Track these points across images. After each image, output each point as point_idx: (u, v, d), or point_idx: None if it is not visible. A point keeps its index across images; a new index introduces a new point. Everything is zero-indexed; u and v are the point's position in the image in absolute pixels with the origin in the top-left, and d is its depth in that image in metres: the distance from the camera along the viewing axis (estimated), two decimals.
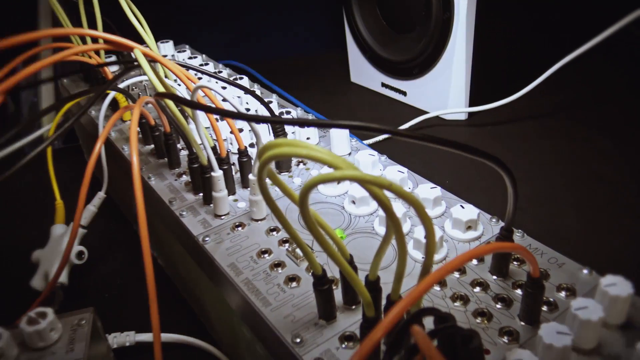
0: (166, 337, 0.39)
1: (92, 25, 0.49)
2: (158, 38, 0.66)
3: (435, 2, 0.65)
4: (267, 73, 0.82)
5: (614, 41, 0.52)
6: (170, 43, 0.67)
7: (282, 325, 0.28)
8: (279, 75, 0.82)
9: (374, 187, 0.20)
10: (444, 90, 0.70)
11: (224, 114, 0.24)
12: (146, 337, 0.39)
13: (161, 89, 0.31)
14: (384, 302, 0.26)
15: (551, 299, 0.28)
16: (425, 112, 0.72)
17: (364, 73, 0.83)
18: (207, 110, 0.26)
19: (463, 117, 0.71)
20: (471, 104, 0.70)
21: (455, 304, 0.29)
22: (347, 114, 0.77)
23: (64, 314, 0.33)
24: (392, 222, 0.21)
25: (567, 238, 0.48)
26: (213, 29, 0.93)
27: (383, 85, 0.80)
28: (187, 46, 0.71)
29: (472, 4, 0.63)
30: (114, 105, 0.51)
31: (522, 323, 0.27)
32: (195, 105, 0.27)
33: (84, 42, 0.51)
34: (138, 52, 0.31)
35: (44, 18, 0.76)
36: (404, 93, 0.77)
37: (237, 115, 0.25)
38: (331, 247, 0.23)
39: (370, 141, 0.64)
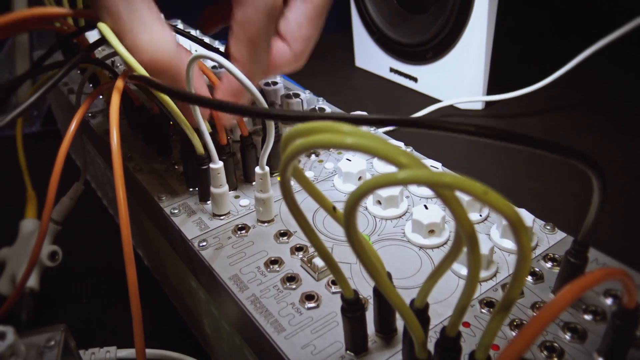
0: (152, 353, 0.34)
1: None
2: None
3: None
4: None
5: None
6: None
7: (300, 359, 0.22)
8: None
9: (451, 191, 0.14)
10: (460, 76, 0.64)
11: (231, 111, 0.18)
12: (129, 353, 0.34)
13: (139, 68, 0.24)
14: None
15: (637, 333, 0.22)
16: (438, 101, 0.66)
17: (370, 57, 0.77)
18: (199, 102, 0.20)
19: (479, 106, 0.66)
20: (489, 93, 0.64)
21: (514, 334, 0.23)
22: (351, 101, 0.71)
23: (28, 332, 0.27)
24: (469, 240, 0.15)
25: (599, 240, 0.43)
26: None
27: (392, 70, 0.74)
28: (179, 21, 0.64)
29: None
30: (98, 83, 0.44)
31: None
32: (179, 95, 0.20)
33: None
34: (102, 24, 0.25)
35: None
36: (415, 79, 0.71)
37: (256, 113, 0.19)
38: (393, 289, 0.17)
39: (380, 130, 0.58)
